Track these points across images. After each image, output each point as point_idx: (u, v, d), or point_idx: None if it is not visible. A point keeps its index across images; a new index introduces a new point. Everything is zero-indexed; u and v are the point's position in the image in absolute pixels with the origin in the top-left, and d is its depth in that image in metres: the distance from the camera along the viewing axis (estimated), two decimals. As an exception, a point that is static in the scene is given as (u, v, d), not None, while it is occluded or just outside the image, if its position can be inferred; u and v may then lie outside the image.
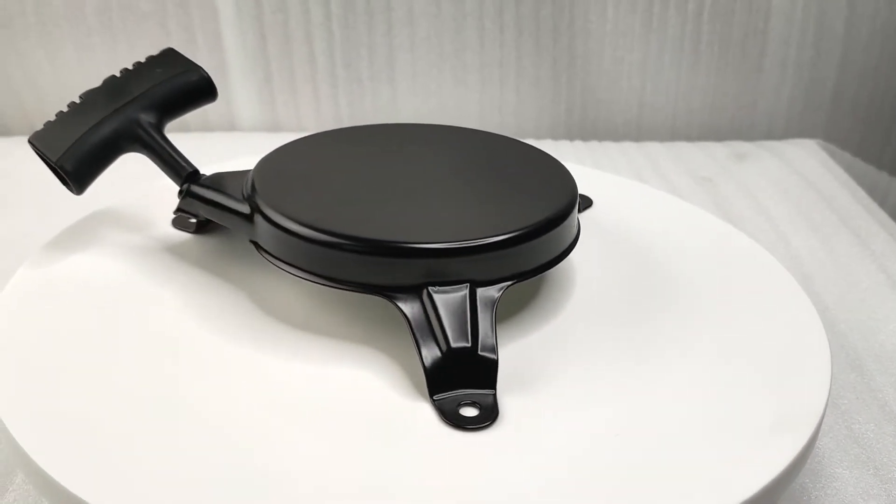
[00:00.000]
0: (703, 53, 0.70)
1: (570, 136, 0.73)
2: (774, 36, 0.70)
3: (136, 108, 0.36)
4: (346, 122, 0.71)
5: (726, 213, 0.57)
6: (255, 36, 0.68)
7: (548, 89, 0.71)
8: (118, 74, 0.37)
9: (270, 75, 0.70)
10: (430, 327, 0.29)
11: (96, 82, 0.37)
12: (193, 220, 0.38)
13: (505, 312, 0.33)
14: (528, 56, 0.70)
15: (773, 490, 0.26)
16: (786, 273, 0.37)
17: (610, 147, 0.70)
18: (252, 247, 0.34)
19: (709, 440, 0.28)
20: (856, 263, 0.51)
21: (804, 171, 0.64)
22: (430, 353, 0.29)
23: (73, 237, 0.38)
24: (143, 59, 0.38)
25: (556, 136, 0.73)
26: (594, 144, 0.70)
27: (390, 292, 0.30)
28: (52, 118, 0.36)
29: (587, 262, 0.37)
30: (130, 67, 0.38)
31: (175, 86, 0.37)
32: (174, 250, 0.37)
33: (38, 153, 0.36)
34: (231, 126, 0.71)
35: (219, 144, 0.67)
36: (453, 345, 0.29)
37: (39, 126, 0.36)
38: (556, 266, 0.33)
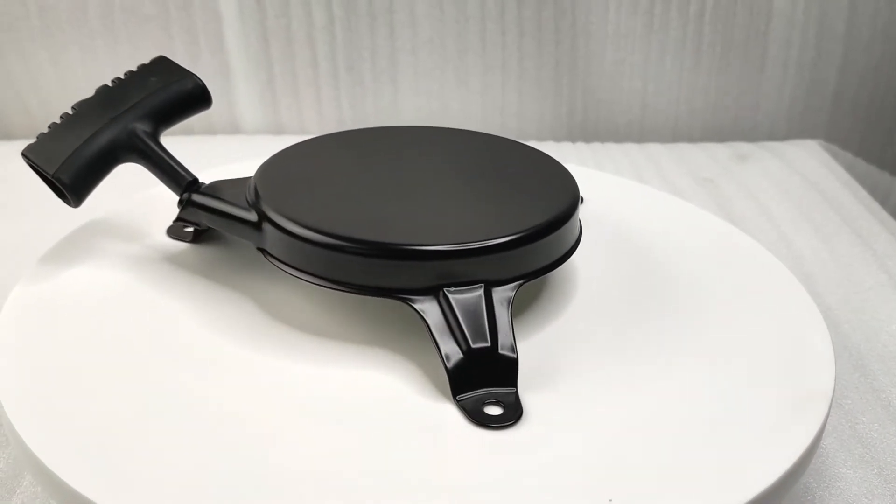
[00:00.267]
0: (705, 55, 0.71)
1: (573, 138, 0.73)
2: (775, 37, 0.70)
3: (132, 118, 0.35)
4: (349, 125, 0.71)
5: (728, 213, 0.57)
6: (258, 39, 0.68)
7: (550, 91, 0.71)
8: (110, 84, 0.37)
9: (273, 78, 0.70)
10: (449, 328, 0.29)
11: (99, 85, 0.37)
12: (190, 230, 0.38)
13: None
14: (529, 58, 0.70)
15: (778, 489, 0.26)
16: (788, 273, 0.38)
17: (612, 148, 0.70)
18: (253, 254, 0.33)
19: (713, 439, 0.28)
20: (858, 264, 0.51)
21: (806, 171, 0.64)
22: (452, 355, 0.29)
23: (70, 248, 0.37)
24: (134, 68, 0.37)
25: (558, 138, 0.73)
26: (596, 146, 0.71)
27: (407, 295, 0.30)
28: (45, 130, 0.35)
29: (590, 264, 0.37)
30: (122, 76, 0.37)
31: (170, 94, 0.37)
32: (173, 260, 0.37)
33: (32, 166, 0.35)
34: (234, 129, 0.72)
35: (222, 147, 0.68)
36: (473, 345, 0.29)
37: (44, 129, 0.36)
38: (559, 267, 0.33)
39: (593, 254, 0.38)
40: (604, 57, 0.70)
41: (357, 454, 0.27)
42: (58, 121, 0.36)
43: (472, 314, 0.29)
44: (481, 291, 0.30)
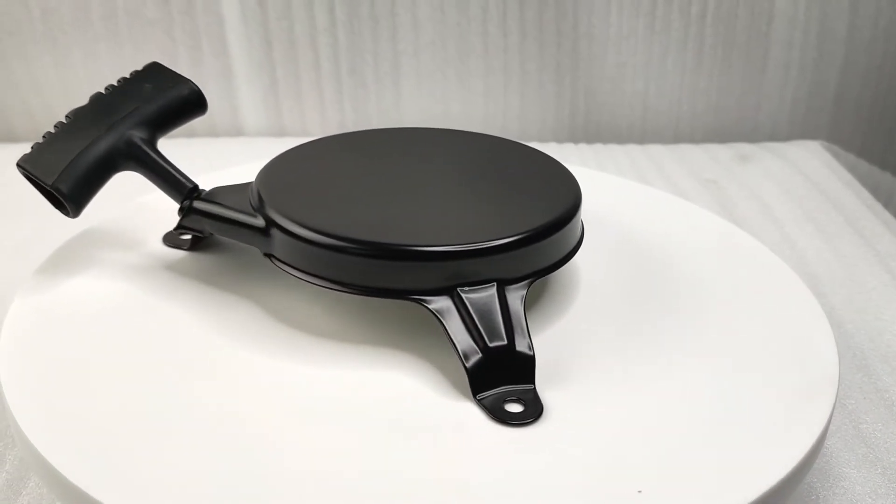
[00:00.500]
0: (707, 56, 0.71)
1: (575, 139, 0.73)
2: (777, 38, 0.70)
3: (129, 126, 0.35)
4: (351, 127, 0.71)
5: (731, 214, 0.57)
6: (261, 42, 0.68)
7: (551, 93, 0.72)
8: (104, 91, 0.36)
9: (276, 81, 0.70)
10: (465, 328, 0.30)
11: (103, 88, 0.37)
12: (188, 237, 0.38)
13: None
14: (531, 60, 0.70)
15: (783, 487, 0.26)
16: (792, 273, 0.38)
17: (614, 150, 0.70)
18: (253, 260, 0.33)
19: (719, 439, 0.28)
20: (861, 264, 0.51)
21: (808, 172, 0.64)
22: (470, 354, 0.29)
23: (65, 258, 0.37)
24: (127, 75, 0.37)
25: (560, 140, 0.73)
26: (598, 147, 0.71)
27: (421, 296, 0.30)
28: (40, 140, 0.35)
29: (593, 265, 0.37)
30: (116, 83, 0.37)
31: (167, 101, 0.36)
32: (172, 267, 0.36)
33: (28, 177, 0.34)
34: (237, 131, 0.72)
35: (225, 150, 0.68)
36: (490, 344, 0.29)
37: (47, 130, 0.35)
38: (561, 268, 0.33)
39: (596, 255, 0.38)
40: (605, 59, 0.70)
41: (378, 453, 0.27)
42: (52, 130, 0.35)
43: (487, 313, 0.30)
44: (494, 290, 0.30)
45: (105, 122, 0.35)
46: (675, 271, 0.38)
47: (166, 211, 0.38)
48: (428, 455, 0.27)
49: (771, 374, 0.31)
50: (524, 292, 0.31)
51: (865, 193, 0.61)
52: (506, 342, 0.29)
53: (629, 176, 0.63)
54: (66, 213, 0.35)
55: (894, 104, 0.74)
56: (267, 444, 0.27)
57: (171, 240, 0.38)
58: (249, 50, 0.68)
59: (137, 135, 0.35)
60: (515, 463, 0.27)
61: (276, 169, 0.36)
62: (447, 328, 0.30)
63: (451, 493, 0.25)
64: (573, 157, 0.67)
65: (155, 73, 0.37)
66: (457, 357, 0.29)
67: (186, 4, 0.67)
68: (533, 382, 0.29)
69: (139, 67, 0.38)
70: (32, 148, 0.35)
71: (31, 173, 0.34)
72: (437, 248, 0.30)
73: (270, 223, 0.32)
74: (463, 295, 0.30)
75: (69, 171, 0.33)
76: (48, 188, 0.34)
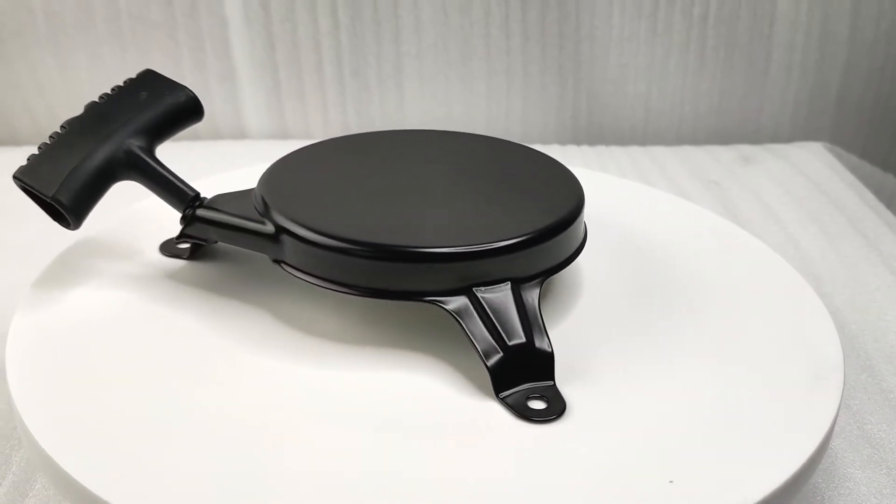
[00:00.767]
0: (709, 58, 0.71)
1: (577, 141, 0.73)
2: (779, 40, 0.70)
3: (127, 135, 0.34)
4: (354, 129, 0.71)
5: (734, 215, 0.57)
6: (264, 44, 0.68)
7: (554, 95, 0.72)
8: (98, 100, 0.36)
9: (279, 83, 0.70)
10: (485, 328, 0.30)
11: (106, 91, 0.36)
12: (186, 246, 0.37)
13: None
14: (534, 62, 0.70)
15: (789, 487, 0.26)
16: (796, 274, 0.38)
17: (616, 151, 0.70)
18: (255, 266, 0.33)
19: (725, 439, 0.28)
20: (864, 265, 0.51)
21: (810, 173, 0.64)
22: (491, 353, 0.29)
23: (63, 270, 0.36)
24: (121, 83, 0.36)
25: (562, 141, 0.73)
26: (601, 149, 0.71)
27: (437, 297, 0.30)
28: (37, 151, 0.34)
29: (596, 266, 0.38)
30: (110, 91, 0.36)
31: (163, 108, 0.35)
32: (172, 276, 0.36)
33: (25, 189, 0.34)
34: (240, 134, 0.72)
35: (228, 152, 0.68)
36: (510, 342, 0.29)
37: (52, 132, 0.35)
38: (564, 270, 0.33)
39: (599, 256, 0.38)
40: (608, 61, 0.71)
41: (396, 454, 0.27)
42: (48, 140, 0.35)
43: (504, 312, 0.30)
44: (509, 289, 0.30)
45: (102, 132, 0.34)
46: (677, 272, 0.38)
47: (160, 218, 0.38)
48: (452, 456, 0.27)
49: (776, 374, 0.31)
50: (538, 290, 0.31)
51: (868, 194, 0.61)
52: (525, 340, 0.30)
53: (632, 177, 0.63)
54: (66, 225, 0.34)
55: (896, 106, 0.74)
56: (269, 444, 0.27)
57: (168, 249, 0.38)
58: (252, 52, 0.69)
59: (136, 144, 0.34)
60: (543, 460, 0.27)
61: (279, 173, 0.36)
62: (466, 328, 0.30)
63: (485, 495, 0.25)
64: (576, 159, 0.67)
65: (150, 81, 0.37)
66: (477, 356, 0.29)
67: (190, 7, 0.67)
68: (553, 379, 0.29)
69: (143, 70, 0.37)
70: (29, 160, 0.34)
71: (29, 185, 0.33)
72: (455, 250, 0.30)
73: (280, 229, 0.32)
74: (479, 295, 0.30)
75: (69, 182, 0.33)
76: (48, 200, 0.33)
